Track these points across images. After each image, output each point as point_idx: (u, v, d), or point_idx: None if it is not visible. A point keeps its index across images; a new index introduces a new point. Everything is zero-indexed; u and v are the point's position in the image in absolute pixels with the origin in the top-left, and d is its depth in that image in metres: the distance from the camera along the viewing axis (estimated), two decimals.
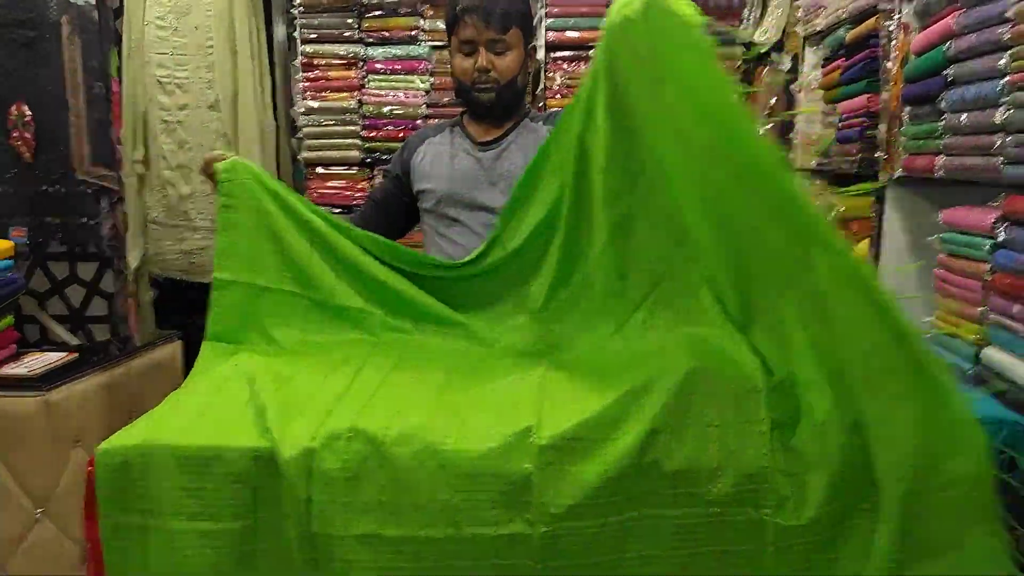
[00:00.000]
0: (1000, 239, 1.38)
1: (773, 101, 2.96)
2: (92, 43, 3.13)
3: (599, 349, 1.32)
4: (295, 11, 3.26)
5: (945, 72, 1.63)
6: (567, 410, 1.15)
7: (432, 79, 3.24)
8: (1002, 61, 1.40)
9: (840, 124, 2.38)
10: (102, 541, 1.17)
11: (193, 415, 1.22)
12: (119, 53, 3.22)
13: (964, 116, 1.55)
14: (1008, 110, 1.39)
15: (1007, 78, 1.39)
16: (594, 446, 1.11)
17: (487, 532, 1.10)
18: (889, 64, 2.02)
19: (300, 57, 3.27)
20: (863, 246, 2.16)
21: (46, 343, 3.22)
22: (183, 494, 1.14)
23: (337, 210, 3.35)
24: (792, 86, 2.95)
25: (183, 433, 1.17)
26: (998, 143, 1.41)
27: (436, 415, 1.17)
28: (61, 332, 3.34)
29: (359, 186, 3.32)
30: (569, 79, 3.14)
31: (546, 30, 3.09)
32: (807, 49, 2.85)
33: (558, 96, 3.14)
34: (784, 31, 2.94)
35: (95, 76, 3.14)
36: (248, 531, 1.15)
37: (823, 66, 2.63)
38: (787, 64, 2.95)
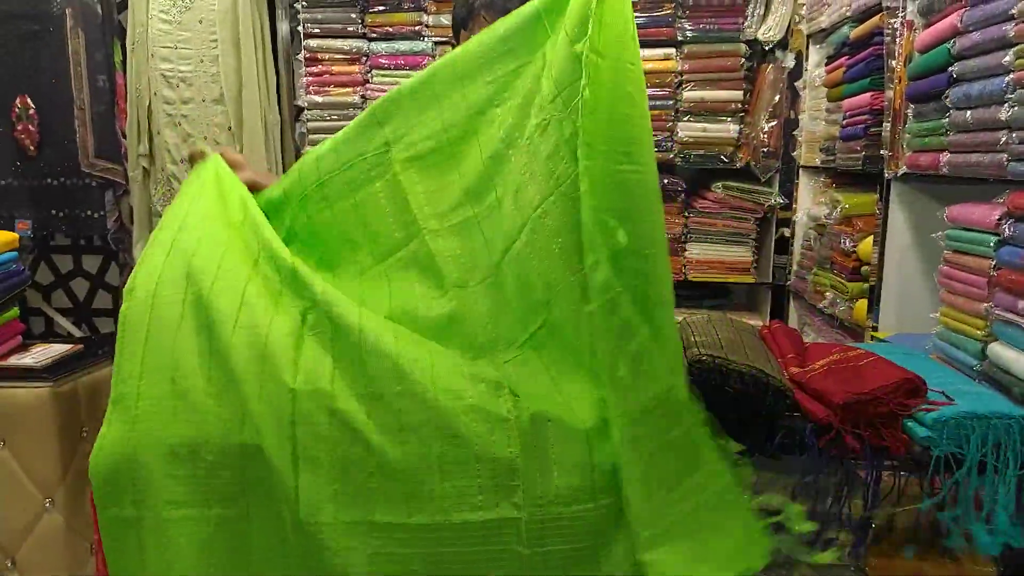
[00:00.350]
0: (1004, 235, 1.38)
1: (777, 99, 2.97)
2: (96, 36, 3.13)
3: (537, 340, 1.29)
4: (299, 6, 3.26)
5: (950, 69, 1.64)
6: (537, 396, 1.18)
7: None
8: (1007, 58, 1.41)
9: (844, 122, 2.39)
10: (100, 535, 1.18)
11: (167, 393, 1.17)
12: (123, 47, 3.23)
13: (969, 113, 1.56)
14: (1013, 107, 1.40)
15: (1012, 75, 1.40)
16: (572, 430, 1.14)
17: (475, 518, 1.12)
18: (893, 62, 2.03)
19: (304, 52, 3.27)
20: (867, 243, 2.17)
21: (51, 335, 3.24)
22: (173, 483, 1.15)
23: None
24: (796, 83, 2.96)
25: (167, 425, 1.16)
26: (1003, 140, 1.43)
27: (406, 397, 1.16)
28: (66, 324, 3.35)
29: None
30: None
31: None
32: (811, 47, 2.86)
33: None
34: (788, 28, 2.95)
35: (99, 69, 3.15)
36: (240, 518, 1.16)
37: (827, 64, 2.64)
38: (791, 62, 2.96)
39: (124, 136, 3.23)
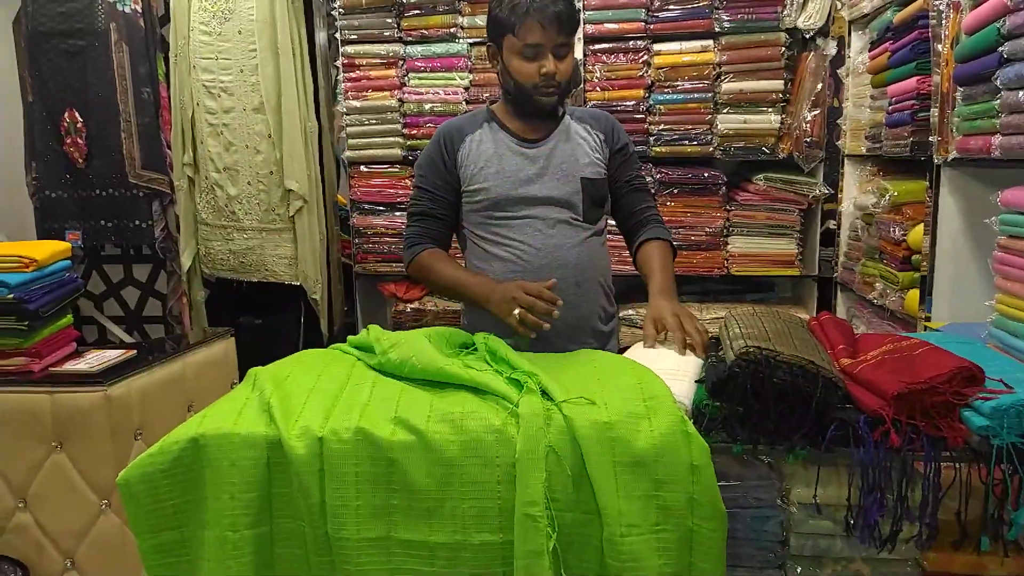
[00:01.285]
0: None
1: (819, 87, 2.91)
2: (139, 50, 3.21)
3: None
4: (335, 13, 3.29)
5: (1000, 49, 1.59)
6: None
7: (471, 76, 3.25)
8: None
9: (890, 108, 2.33)
10: (141, 558, 1.23)
11: (201, 416, 1.25)
12: (166, 59, 3.30)
13: (1021, 93, 1.51)
14: None
15: None
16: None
17: (495, 539, 1.14)
18: (939, 46, 1.97)
19: (341, 58, 3.31)
20: (918, 231, 2.12)
21: (104, 343, 3.32)
22: (206, 504, 1.19)
23: (380, 207, 3.39)
24: (839, 71, 2.90)
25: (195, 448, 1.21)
26: None
27: (432, 423, 1.19)
28: (118, 332, 3.44)
29: (401, 183, 3.34)
30: (608, 71, 3.12)
31: (584, 23, 3.08)
32: (853, 33, 2.80)
33: (597, 89, 3.13)
34: (829, 15, 2.89)
35: (143, 82, 3.23)
36: (264, 537, 1.19)
37: (870, 50, 2.59)
38: (832, 49, 2.90)
39: (169, 147, 3.30)
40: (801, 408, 1.20)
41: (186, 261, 3.37)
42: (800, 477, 1.26)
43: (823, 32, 2.94)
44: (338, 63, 3.32)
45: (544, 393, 1.24)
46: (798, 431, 1.20)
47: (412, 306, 3.33)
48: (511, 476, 1.14)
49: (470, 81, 3.25)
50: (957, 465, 1.16)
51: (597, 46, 3.13)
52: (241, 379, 1.44)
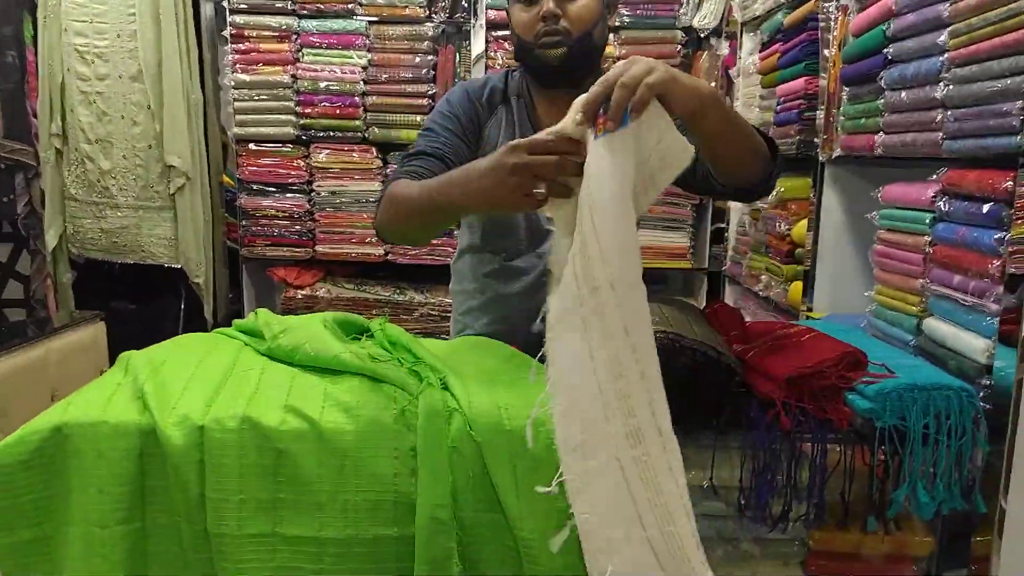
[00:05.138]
0: (940, 212, 1.41)
1: (712, 86, 2.99)
2: (3, 10, 2.95)
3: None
4: None
5: (885, 51, 1.66)
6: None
7: (370, 55, 3.15)
8: (942, 38, 1.43)
9: (778, 107, 2.42)
10: None
11: (65, 403, 1.15)
12: (34, 21, 3.04)
13: (904, 93, 1.59)
14: (948, 86, 1.42)
15: (947, 54, 1.42)
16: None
17: (389, 533, 1.09)
18: (827, 51, 2.05)
19: (229, 28, 3.14)
20: (801, 226, 2.20)
21: None
22: (71, 499, 1.09)
23: (270, 188, 3.25)
24: (731, 71, 2.99)
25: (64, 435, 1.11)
26: (938, 118, 1.45)
27: (326, 411, 1.13)
28: None
29: (293, 163, 3.21)
30: (510, 58, 3.10)
31: (487, 8, 3.05)
32: (745, 35, 2.89)
33: None
34: (723, 16, 2.97)
35: (7, 45, 2.97)
36: (138, 533, 1.11)
37: (760, 51, 2.67)
38: (725, 49, 2.99)
39: (35, 115, 3.05)
40: (703, 392, 1.21)
41: (51, 240, 3.11)
42: (694, 460, 1.27)
43: (717, 32, 3.02)
44: (225, 33, 3.15)
45: (444, 387, 1.20)
46: (698, 415, 1.21)
47: (303, 292, 3.21)
48: (408, 468, 1.09)
49: (368, 60, 3.16)
50: (842, 447, 1.21)
51: (499, 32, 3.11)
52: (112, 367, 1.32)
